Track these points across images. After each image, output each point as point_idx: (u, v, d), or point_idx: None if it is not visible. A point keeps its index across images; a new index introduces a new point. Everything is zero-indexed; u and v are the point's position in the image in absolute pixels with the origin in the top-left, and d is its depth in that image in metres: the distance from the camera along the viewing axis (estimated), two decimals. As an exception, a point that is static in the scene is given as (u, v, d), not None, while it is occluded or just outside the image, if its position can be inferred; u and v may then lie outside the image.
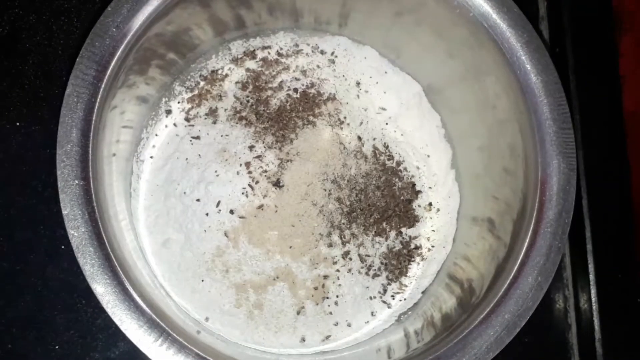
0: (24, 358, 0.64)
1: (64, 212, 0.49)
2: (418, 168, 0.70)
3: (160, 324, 0.49)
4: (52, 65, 0.69)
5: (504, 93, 0.59)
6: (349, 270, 0.65)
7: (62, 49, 0.70)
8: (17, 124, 0.68)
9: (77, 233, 0.49)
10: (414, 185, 0.70)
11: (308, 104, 0.69)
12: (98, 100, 0.52)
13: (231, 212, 0.64)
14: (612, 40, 0.71)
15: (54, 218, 0.66)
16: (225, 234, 0.64)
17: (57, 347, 0.64)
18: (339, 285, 0.65)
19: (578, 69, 0.70)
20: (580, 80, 0.69)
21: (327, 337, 0.65)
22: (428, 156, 0.71)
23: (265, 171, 0.65)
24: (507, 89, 0.58)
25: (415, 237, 0.69)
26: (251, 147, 0.67)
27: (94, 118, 0.52)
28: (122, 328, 0.48)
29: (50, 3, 0.70)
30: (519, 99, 0.57)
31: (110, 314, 0.48)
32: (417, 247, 0.68)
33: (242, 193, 0.65)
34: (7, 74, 0.69)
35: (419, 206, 0.69)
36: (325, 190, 0.66)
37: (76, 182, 0.50)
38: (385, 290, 0.67)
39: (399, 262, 0.67)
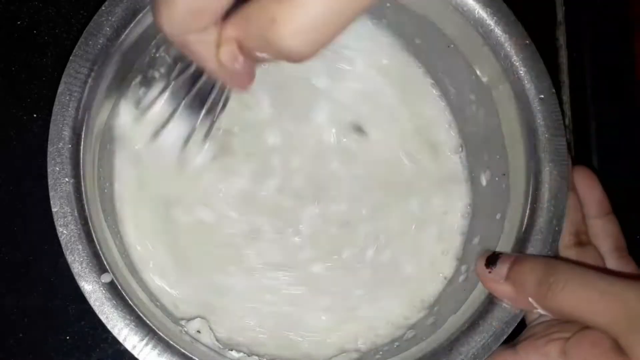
0: (34, 347, 0.65)
1: (54, 210, 0.49)
2: None
3: (147, 323, 0.49)
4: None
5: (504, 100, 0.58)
6: None
7: (80, 42, 0.70)
8: (34, 115, 0.69)
9: (66, 231, 0.49)
10: None
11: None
12: (91, 98, 0.52)
13: None
14: (630, 45, 0.70)
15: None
16: None
17: (67, 337, 0.65)
18: None
19: (595, 73, 0.69)
20: (597, 85, 0.68)
21: None
22: None
23: None
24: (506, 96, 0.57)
25: None
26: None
27: (86, 117, 0.52)
28: (109, 326, 0.48)
29: (69, -5, 0.71)
30: (512, 106, 0.56)
31: (97, 312, 0.48)
32: None
33: None
34: (25, 66, 0.70)
35: None
36: None
37: (66, 179, 0.50)
38: None
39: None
